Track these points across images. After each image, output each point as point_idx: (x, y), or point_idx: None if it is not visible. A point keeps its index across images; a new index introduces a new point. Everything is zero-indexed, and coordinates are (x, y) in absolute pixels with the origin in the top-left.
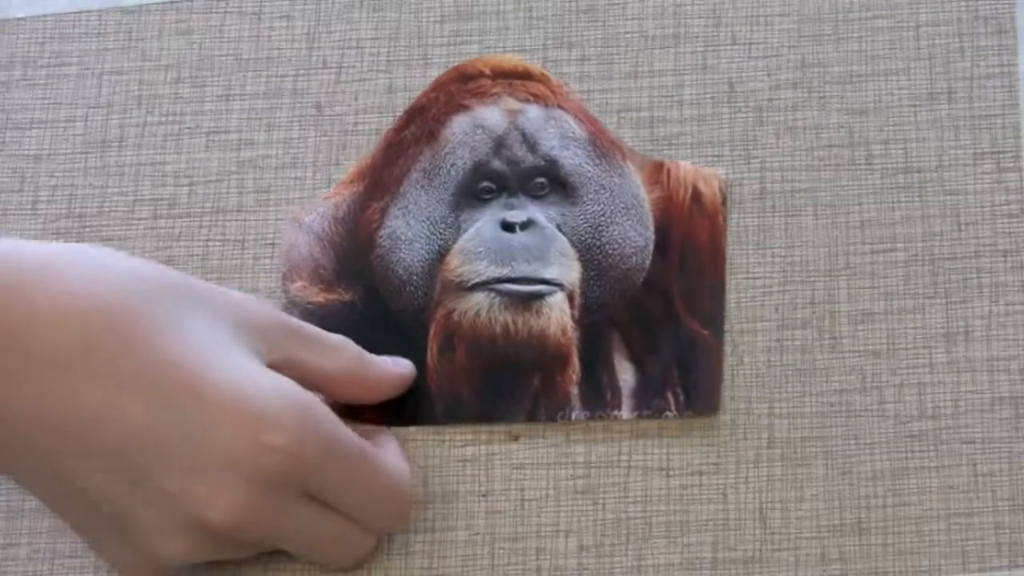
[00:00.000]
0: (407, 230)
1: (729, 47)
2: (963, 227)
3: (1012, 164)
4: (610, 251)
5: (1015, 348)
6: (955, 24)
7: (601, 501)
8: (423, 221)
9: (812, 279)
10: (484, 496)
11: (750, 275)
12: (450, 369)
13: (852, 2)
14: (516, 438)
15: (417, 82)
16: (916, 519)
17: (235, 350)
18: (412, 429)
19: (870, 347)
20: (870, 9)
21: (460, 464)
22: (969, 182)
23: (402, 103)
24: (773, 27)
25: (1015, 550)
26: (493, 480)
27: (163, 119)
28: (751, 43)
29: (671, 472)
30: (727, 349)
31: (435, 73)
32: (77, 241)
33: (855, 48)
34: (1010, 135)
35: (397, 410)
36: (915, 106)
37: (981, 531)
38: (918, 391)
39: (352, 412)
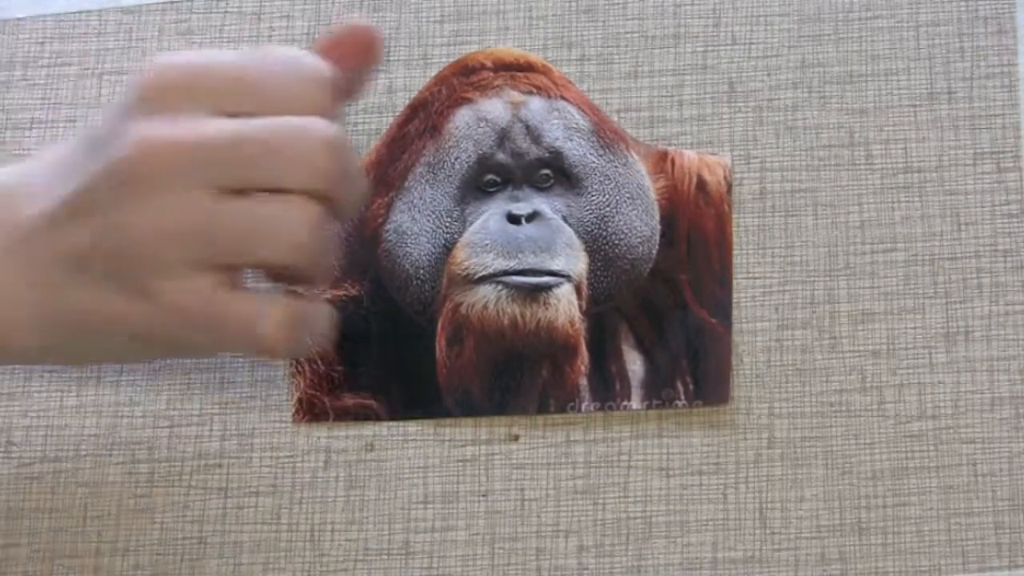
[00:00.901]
0: (413, 224)
1: (729, 47)
2: (963, 227)
3: (1012, 164)
4: (616, 241)
5: (1015, 348)
6: (955, 24)
7: (601, 501)
8: (428, 215)
9: (812, 279)
10: (484, 496)
11: (750, 275)
12: (459, 363)
13: (852, 2)
14: (516, 438)
15: (417, 82)
16: (916, 519)
17: None
18: (412, 429)
19: (870, 347)
20: (870, 9)
21: (460, 464)
22: (969, 182)
23: (402, 103)
24: (773, 27)
25: (1015, 550)
26: (493, 480)
27: None
28: (751, 43)
29: (671, 472)
30: (735, 339)
31: (435, 73)
32: None
33: (855, 48)
34: (1010, 135)
35: (406, 403)
36: (915, 106)
37: (981, 531)
38: (918, 391)
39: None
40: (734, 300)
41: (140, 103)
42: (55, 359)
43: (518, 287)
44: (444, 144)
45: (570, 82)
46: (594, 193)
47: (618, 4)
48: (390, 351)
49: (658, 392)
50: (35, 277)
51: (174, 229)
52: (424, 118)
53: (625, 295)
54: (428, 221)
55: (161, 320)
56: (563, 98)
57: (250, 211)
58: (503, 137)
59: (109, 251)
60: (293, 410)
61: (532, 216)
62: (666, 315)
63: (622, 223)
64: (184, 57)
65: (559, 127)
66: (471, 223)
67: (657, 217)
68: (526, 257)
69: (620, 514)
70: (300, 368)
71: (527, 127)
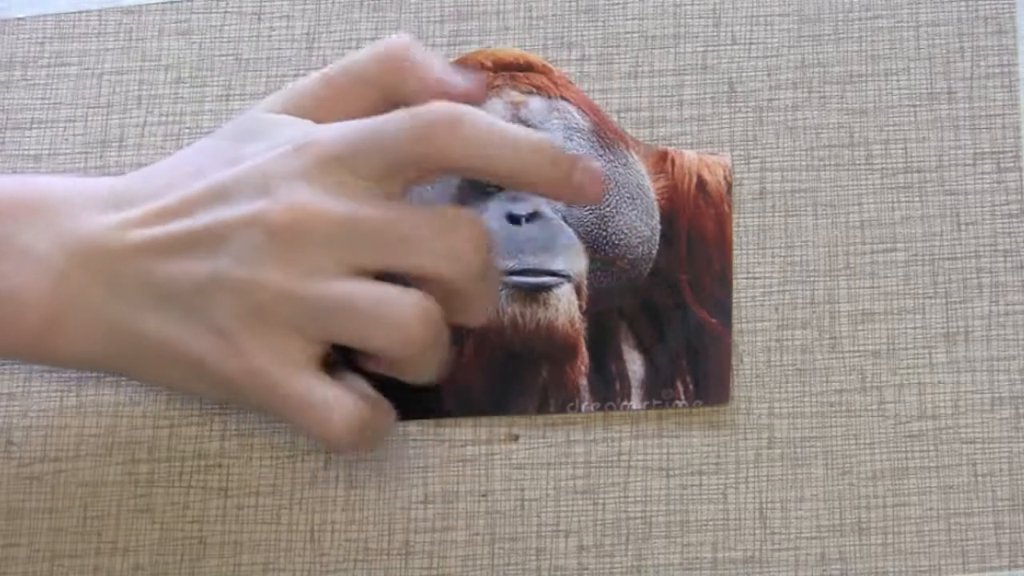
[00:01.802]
0: None
1: (729, 47)
2: (963, 227)
3: (1012, 164)
4: (616, 241)
5: (1015, 348)
6: (955, 24)
7: (601, 501)
8: None
9: (812, 279)
10: (484, 496)
11: (750, 275)
12: (459, 362)
13: (852, 2)
14: (516, 438)
15: None
16: (916, 519)
17: None
18: (412, 429)
19: (870, 347)
20: (870, 9)
21: (460, 464)
22: (969, 182)
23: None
24: (773, 27)
25: (1015, 550)
26: (493, 480)
27: (163, 119)
28: (751, 43)
29: (671, 472)
30: (735, 339)
31: None
32: None
33: (855, 48)
34: (1010, 135)
35: (406, 404)
36: (915, 106)
37: (981, 531)
38: (918, 391)
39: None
40: (734, 300)
41: (302, 169)
42: (109, 371)
43: (518, 287)
44: None
45: (570, 82)
46: None
47: (618, 4)
48: None
49: (658, 392)
50: (114, 291)
51: (290, 294)
52: None
53: (625, 295)
54: None
55: (239, 374)
56: (563, 98)
57: (366, 292)
58: None
59: (211, 294)
60: None
61: (532, 216)
62: (666, 315)
63: (622, 223)
64: (352, 133)
65: (559, 127)
66: None
67: (657, 217)
68: (526, 257)
69: (620, 514)
70: None
71: (527, 127)
